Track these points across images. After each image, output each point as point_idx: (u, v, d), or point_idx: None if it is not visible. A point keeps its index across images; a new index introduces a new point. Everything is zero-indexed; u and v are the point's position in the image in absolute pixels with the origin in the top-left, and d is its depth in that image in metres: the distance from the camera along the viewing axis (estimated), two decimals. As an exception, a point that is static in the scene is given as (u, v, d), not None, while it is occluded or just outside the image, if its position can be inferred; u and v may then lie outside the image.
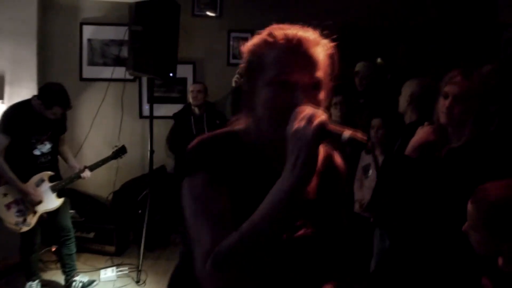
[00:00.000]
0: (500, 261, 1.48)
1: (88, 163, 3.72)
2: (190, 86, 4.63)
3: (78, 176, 3.57)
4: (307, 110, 0.94)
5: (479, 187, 1.49)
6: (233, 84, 4.48)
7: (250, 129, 1.11)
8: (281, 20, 4.35)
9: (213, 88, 4.71)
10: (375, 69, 4.53)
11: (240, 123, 1.15)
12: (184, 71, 4.88)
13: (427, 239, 1.88)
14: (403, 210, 2.04)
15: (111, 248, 4.43)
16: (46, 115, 3.34)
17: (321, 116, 0.91)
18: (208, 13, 4.99)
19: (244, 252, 0.92)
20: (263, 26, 4.49)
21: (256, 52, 1.10)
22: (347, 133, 0.90)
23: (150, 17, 3.84)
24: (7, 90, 4.38)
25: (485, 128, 1.84)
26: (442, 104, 1.86)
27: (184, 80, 5.00)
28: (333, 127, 0.92)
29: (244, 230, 0.92)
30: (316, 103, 1.02)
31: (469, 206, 1.49)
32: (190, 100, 4.51)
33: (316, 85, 1.05)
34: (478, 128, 1.82)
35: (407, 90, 2.79)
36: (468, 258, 1.62)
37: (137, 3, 3.95)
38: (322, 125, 0.90)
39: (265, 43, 1.10)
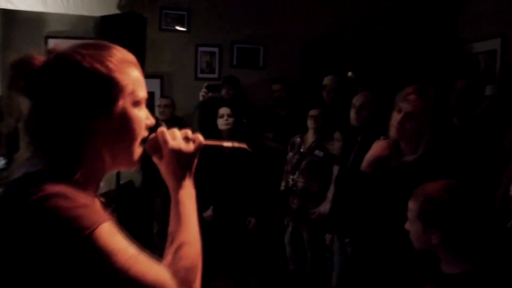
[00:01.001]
0: (442, 264, 1.57)
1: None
2: (158, 100, 4.62)
3: None
4: (176, 132, 1.04)
5: (417, 188, 1.59)
6: (201, 99, 4.51)
7: None
8: (247, 36, 4.50)
9: (181, 103, 4.72)
10: (343, 82, 4.63)
11: None
12: (151, 85, 4.85)
13: (381, 247, 1.93)
14: (360, 222, 2.10)
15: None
16: None
17: (198, 136, 1.05)
18: (177, 28, 5.02)
19: (194, 257, 0.97)
20: (230, 41, 4.62)
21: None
22: (226, 143, 1.14)
23: (116, 31, 3.83)
24: (-32, 104, 4.27)
25: (440, 142, 1.91)
26: (395, 119, 1.92)
27: (151, 94, 4.97)
28: (210, 142, 1.09)
29: (178, 244, 0.97)
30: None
31: (409, 203, 1.59)
32: (157, 114, 4.50)
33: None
34: (432, 143, 1.89)
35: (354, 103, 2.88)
36: (413, 264, 1.70)
37: (102, 17, 3.94)
38: (202, 144, 1.05)
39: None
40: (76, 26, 4.75)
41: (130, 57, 1.04)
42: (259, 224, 3.78)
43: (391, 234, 1.87)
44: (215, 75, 5.12)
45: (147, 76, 3.81)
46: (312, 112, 3.78)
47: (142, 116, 1.00)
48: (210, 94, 4.49)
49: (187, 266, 0.94)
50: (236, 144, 1.16)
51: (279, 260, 4.14)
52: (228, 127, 3.74)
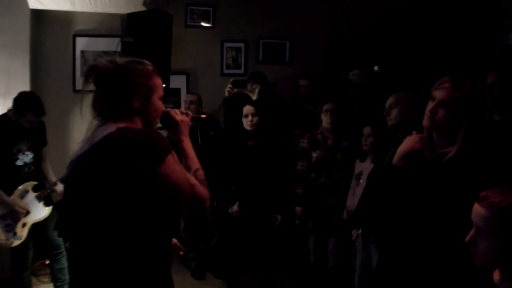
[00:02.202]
0: (497, 276, 1.42)
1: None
2: (184, 97, 4.63)
3: (52, 190, 3.55)
4: (177, 111, 1.83)
5: (484, 193, 1.41)
6: (226, 94, 4.49)
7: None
8: (272, 31, 4.47)
9: (207, 99, 4.70)
10: (370, 77, 4.54)
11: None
12: (177, 81, 4.88)
13: (417, 249, 1.86)
14: (389, 220, 2.03)
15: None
16: (21, 124, 3.34)
17: (188, 112, 1.90)
18: (203, 24, 5.01)
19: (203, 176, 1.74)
20: (256, 36, 4.60)
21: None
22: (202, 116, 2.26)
23: (142, 29, 3.85)
24: (0, 102, 4.37)
25: (478, 137, 1.83)
26: (427, 107, 1.86)
27: (177, 91, 5.00)
28: (194, 115, 1.98)
29: (198, 166, 1.77)
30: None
31: (480, 212, 1.38)
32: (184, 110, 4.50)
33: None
34: (470, 137, 1.80)
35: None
36: (462, 273, 1.61)
37: (129, 14, 3.96)
38: (191, 116, 1.89)
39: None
40: (103, 24, 4.80)
41: (156, 69, 1.73)
42: (285, 220, 3.75)
43: (429, 236, 1.80)
44: (241, 71, 5.09)
45: (173, 72, 3.90)
46: (327, 106, 3.74)
47: (161, 105, 1.76)
48: (235, 90, 4.46)
49: (202, 178, 1.72)
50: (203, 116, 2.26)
51: (301, 254, 4.10)
52: (253, 127, 3.70)
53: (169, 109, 1.79)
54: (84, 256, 1.58)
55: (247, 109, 3.73)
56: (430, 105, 1.86)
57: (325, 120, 3.75)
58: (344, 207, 3.59)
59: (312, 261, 3.94)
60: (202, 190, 1.64)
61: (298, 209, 3.82)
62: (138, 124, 1.66)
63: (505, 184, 1.42)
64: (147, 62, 1.70)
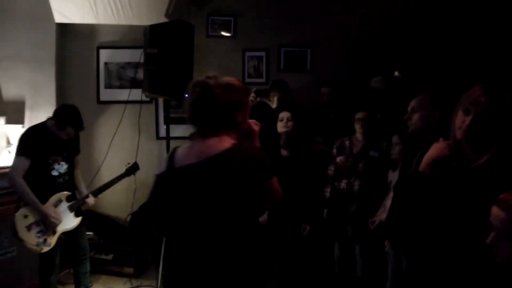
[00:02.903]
0: None
1: (105, 185, 3.77)
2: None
3: (83, 202, 3.60)
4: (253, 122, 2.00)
5: (502, 196, 1.41)
6: (250, 104, 4.49)
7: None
8: (293, 39, 4.49)
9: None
10: (391, 83, 4.50)
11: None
12: (199, 91, 4.90)
13: (445, 257, 1.81)
14: (418, 228, 1.99)
15: (130, 270, 4.44)
16: (60, 136, 3.40)
17: (257, 122, 2.02)
18: (223, 33, 5.04)
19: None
20: (277, 44, 4.60)
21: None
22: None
23: (165, 40, 3.88)
24: (27, 114, 4.47)
25: (510, 143, 1.77)
26: (461, 120, 1.79)
27: (200, 100, 5.02)
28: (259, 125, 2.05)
29: None
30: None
31: (499, 214, 1.40)
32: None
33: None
34: (504, 144, 1.75)
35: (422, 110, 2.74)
36: (489, 278, 1.56)
37: (151, 26, 4.01)
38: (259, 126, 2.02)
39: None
40: (126, 35, 4.88)
41: (248, 88, 1.99)
42: (313, 230, 3.71)
43: (456, 243, 1.76)
44: (263, 80, 5.10)
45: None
46: (359, 115, 3.70)
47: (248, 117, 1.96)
48: (258, 99, 4.46)
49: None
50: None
51: (326, 263, 4.05)
52: (287, 129, 3.70)
53: (253, 121, 2.01)
54: (205, 249, 1.78)
55: (284, 113, 3.74)
56: (465, 118, 1.78)
57: (357, 129, 3.72)
58: (365, 216, 3.56)
59: (337, 271, 3.89)
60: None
61: (325, 211, 3.84)
62: (234, 136, 1.86)
63: None
64: (245, 86, 1.97)
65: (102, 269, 4.45)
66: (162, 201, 1.87)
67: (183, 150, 1.89)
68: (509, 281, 1.47)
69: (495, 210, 1.42)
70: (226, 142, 1.80)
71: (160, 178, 1.90)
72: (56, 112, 3.42)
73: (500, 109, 1.72)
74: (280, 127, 3.73)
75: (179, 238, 1.86)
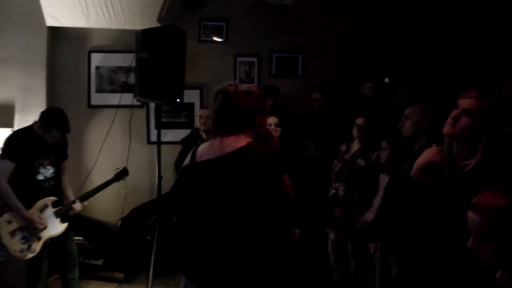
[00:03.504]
0: (499, 273, 1.46)
1: (95, 189, 3.74)
2: (199, 111, 4.61)
3: (70, 208, 3.56)
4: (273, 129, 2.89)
5: (475, 200, 1.47)
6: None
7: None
8: (285, 45, 4.54)
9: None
10: (382, 90, 4.54)
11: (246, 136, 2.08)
12: (191, 96, 4.91)
13: (433, 261, 1.83)
14: (407, 232, 2.01)
15: (120, 275, 4.40)
16: (46, 139, 3.37)
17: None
18: (215, 39, 5.06)
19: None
20: (269, 50, 4.63)
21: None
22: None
23: (157, 44, 3.88)
24: (17, 118, 4.43)
25: (498, 149, 1.79)
26: (451, 115, 1.83)
27: (191, 105, 5.03)
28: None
29: None
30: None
31: (476, 219, 1.46)
32: (198, 125, 4.51)
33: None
34: (491, 150, 1.77)
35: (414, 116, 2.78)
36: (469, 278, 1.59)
37: (144, 30, 4.00)
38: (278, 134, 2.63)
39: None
40: (118, 40, 4.87)
41: (266, 94, 2.20)
42: (303, 234, 3.72)
43: (446, 247, 1.77)
44: (254, 85, 5.11)
45: (187, 87, 3.94)
46: (358, 120, 3.72)
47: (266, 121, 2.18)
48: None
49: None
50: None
51: (323, 270, 4.06)
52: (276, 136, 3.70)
53: (269, 127, 2.28)
54: (218, 237, 1.96)
55: (271, 119, 3.72)
56: (454, 112, 1.82)
57: (354, 134, 3.74)
58: (350, 221, 3.60)
59: (335, 277, 3.91)
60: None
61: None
62: (251, 136, 2.03)
63: (493, 189, 1.47)
64: (263, 93, 2.15)
65: (92, 274, 4.41)
66: (184, 191, 2.04)
67: (204, 146, 2.10)
68: (495, 283, 1.49)
69: (470, 214, 1.47)
70: (242, 141, 1.99)
71: (183, 171, 2.08)
72: (42, 115, 3.38)
73: (488, 106, 1.75)
74: None
75: (197, 225, 2.02)
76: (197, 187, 2.00)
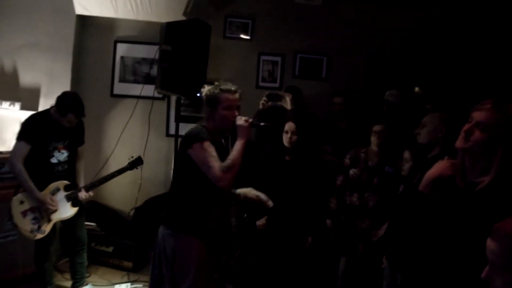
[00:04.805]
0: None
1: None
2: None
3: (76, 195, 3.58)
4: (241, 118, 2.58)
5: (497, 224, 1.35)
6: (260, 107, 4.47)
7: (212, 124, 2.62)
8: (310, 46, 4.52)
9: (240, 110, 4.70)
10: (408, 98, 4.44)
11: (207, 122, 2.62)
12: (212, 91, 4.90)
13: (439, 278, 1.77)
14: (413, 246, 1.95)
15: (129, 264, 4.44)
16: (62, 123, 3.42)
17: (248, 119, 2.58)
18: (241, 36, 5.05)
19: (233, 165, 2.43)
20: (293, 50, 4.59)
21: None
22: (262, 123, 2.73)
23: (180, 38, 3.89)
24: (41, 102, 4.51)
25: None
26: (463, 128, 1.75)
27: (212, 101, 5.03)
28: (254, 122, 2.64)
29: (231, 158, 2.44)
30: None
31: (492, 247, 1.33)
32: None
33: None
34: (506, 165, 1.70)
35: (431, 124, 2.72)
36: None
37: (167, 23, 4.02)
38: (250, 123, 2.57)
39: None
40: (143, 31, 4.91)
41: (234, 89, 2.67)
42: (315, 242, 3.67)
43: (454, 265, 1.71)
44: (276, 84, 5.09)
45: (208, 82, 3.97)
46: (376, 127, 3.63)
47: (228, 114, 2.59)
48: (270, 103, 4.44)
49: (225, 165, 2.42)
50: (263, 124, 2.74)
51: (329, 277, 4.01)
52: (290, 145, 3.66)
53: (236, 116, 2.58)
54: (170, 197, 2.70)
55: (289, 126, 3.68)
56: (466, 126, 1.75)
57: (373, 141, 3.65)
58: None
59: (339, 285, 3.84)
60: (216, 172, 2.39)
61: (328, 221, 3.78)
62: (211, 124, 2.58)
63: None
64: (231, 87, 2.66)
65: (101, 260, 4.46)
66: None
67: None
68: None
69: (489, 242, 1.35)
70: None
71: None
72: (58, 99, 3.42)
73: (502, 118, 1.67)
74: (284, 139, 3.70)
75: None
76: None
